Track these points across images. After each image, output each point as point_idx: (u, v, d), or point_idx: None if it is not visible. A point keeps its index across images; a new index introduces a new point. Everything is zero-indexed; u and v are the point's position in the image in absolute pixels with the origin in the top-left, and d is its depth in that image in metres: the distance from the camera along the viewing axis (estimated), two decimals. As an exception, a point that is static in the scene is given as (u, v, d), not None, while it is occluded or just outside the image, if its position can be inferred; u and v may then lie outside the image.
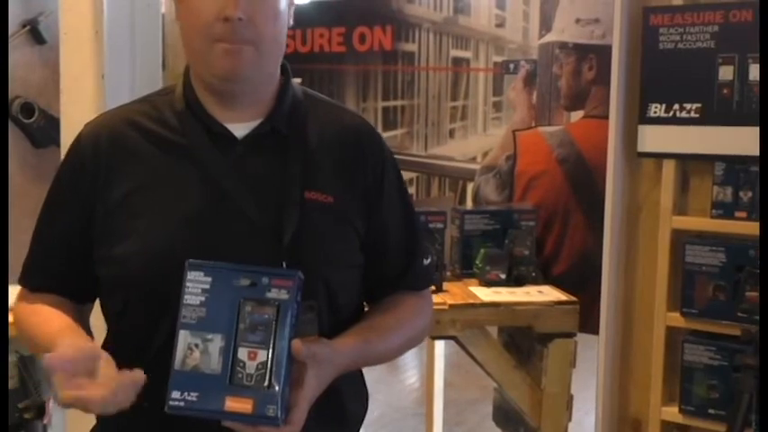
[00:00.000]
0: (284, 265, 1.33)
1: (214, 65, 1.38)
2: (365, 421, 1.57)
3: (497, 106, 3.14)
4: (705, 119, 2.59)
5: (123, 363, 1.25)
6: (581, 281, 2.91)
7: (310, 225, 1.40)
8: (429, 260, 1.72)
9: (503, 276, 2.85)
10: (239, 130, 1.44)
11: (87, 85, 2.45)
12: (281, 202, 1.40)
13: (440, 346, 3.38)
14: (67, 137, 2.59)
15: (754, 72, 2.51)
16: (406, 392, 5.08)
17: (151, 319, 1.34)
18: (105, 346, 1.36)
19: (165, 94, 1.51)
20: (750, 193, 2.56)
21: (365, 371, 1.57)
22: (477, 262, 2.88)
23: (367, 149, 1.53)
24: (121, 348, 1.34)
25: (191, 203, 1.39)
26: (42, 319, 1.42)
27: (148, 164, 1.42)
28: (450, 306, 2.64)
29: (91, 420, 1.54)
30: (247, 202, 1.39)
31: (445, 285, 2.78)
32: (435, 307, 2.62)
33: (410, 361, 5.49)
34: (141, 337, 1.33)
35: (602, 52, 2.87)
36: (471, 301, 2.68)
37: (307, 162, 1.44)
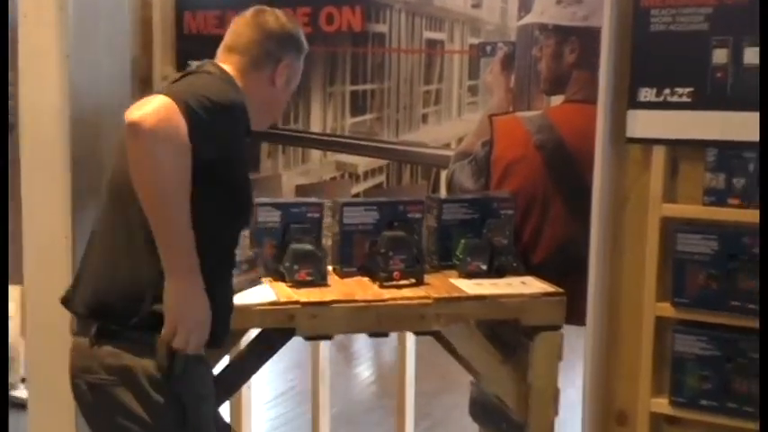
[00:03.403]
0: None
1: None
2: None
3: (473, 90, 3.02)
4: (697, 103, 2.52)
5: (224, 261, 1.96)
6: (561, 270, 2.81)
7: None
8: None
9: (484, 267, 2.74)
10: None
11: (50, 64, 2.25)
12: None
13: (411, 339, 3.25)
14: (26, 117, 2.39)
15: (749, 55, 2.44)
16: (364, 386, 4.95)
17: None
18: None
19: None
20: (743, 180, 2.49)
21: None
22: (458, 253, 2.76)
23: None
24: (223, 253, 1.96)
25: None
26: None
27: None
28: (435, 300, 2.52)
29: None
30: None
31: (425, 278, 2.65)
32: (419, 301, 2.54)
33: (365, 353, 5.36)
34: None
35: (585, 35, 2.77)
36: (456, 294, 2.56)
37: None
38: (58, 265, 2.44)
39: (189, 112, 1.73)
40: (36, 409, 2.56)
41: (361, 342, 5.43)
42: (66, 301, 1.94)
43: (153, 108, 1.70)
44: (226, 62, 2.04)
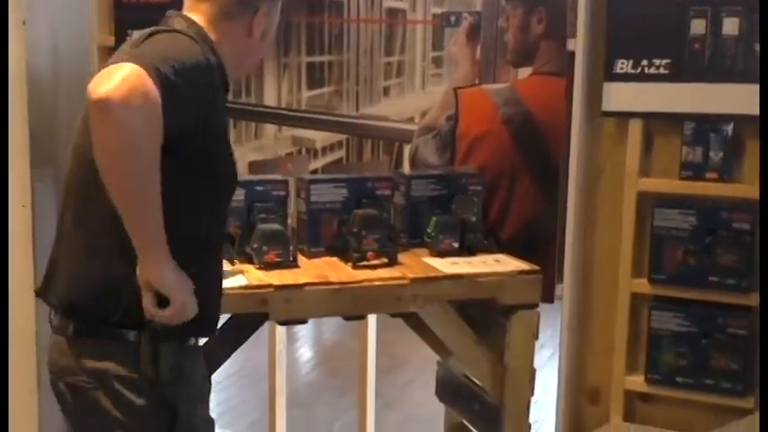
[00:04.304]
0: None
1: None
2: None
3: (437, 62, 2.92)
4: (675, 75, 2.48)
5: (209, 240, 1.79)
6: (529, 247, 2.75)
7: None
8: None
9: (456, 245, 2.66)
10: None
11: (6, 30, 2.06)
12: None
13: (372, 321, 3.15)
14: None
15: (728, 26, 2.41)
16: (310, 366, 4.85)
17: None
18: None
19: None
20: (721, 154, 2.46)
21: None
22: (429, 231, 2.67)
23: None
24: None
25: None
26: None
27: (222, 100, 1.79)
28: (412, 281, 2.42)
29: None
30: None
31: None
32: (395, 282, 2.44)
33: (306, 332, 5.24)
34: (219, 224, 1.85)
35: (553, 4, 2.70)
36: (433, 274, 2.47)
37: None
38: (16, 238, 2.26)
39: (161, 79, 1.55)
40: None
41: (302, 321, 5.31)
42: (41, 293, 1.77)
43: (120, 79, 1.49)
44: (194, 11, 1.81)
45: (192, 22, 1.78)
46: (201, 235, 1.74)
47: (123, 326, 1.66)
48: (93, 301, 1.67)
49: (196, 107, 1.65)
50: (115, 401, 1.65)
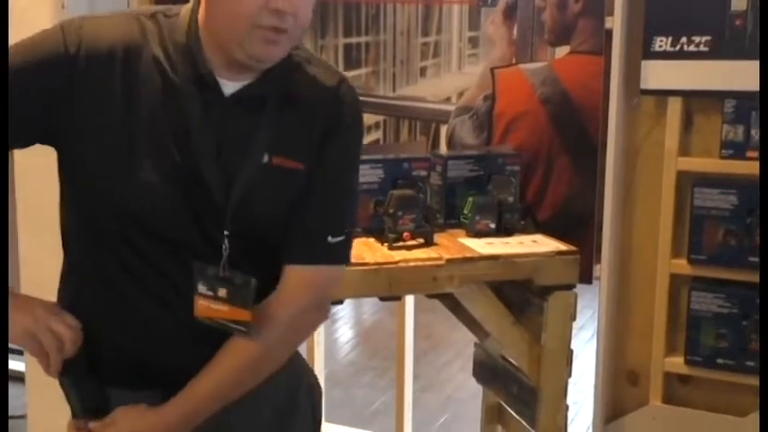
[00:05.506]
0: (227, 226, 1.40)
1: (251, 48, 1.37)
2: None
3: (474, 42, 2.90)
4: (715, 52, 2.43)
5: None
6: (566, 228, 2.73)
7: (271, 190, 1.44)
8: (341, 238, 1.54)
9: (492, 226, 2.64)
10: (228, 87, 1.43)
11: (43, 15, 2.08)
12: (243, 164, 1.42)
13: (410, 302, 3.16)
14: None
15: (771, 1, 2.36)
16: (349, 347, 4.87)
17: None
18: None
19: (171, 16, 1.44)
20: (763, 132, 2.42)
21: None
22: (466, 211, 2.66)
23: (325, 113, 1.55)
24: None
25: (162, 147, 1.39)
26: None
27: (148, 89, 1.39)
28: (448, 261, 2.42)
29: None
30: (207, 161, 1.40)
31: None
32: (431, 262, 2.44)
33: (344, 312, 5.27)
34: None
35: (591, -19, 2.66)
36: (469, 255, 2.46)
37: (279, 127, 1.45)
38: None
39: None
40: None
41: (341, 301, 5.35)
42: None
43: None
44: None
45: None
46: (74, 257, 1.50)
47: None
48: None
49: (41, 99, 1.37)
50: None
